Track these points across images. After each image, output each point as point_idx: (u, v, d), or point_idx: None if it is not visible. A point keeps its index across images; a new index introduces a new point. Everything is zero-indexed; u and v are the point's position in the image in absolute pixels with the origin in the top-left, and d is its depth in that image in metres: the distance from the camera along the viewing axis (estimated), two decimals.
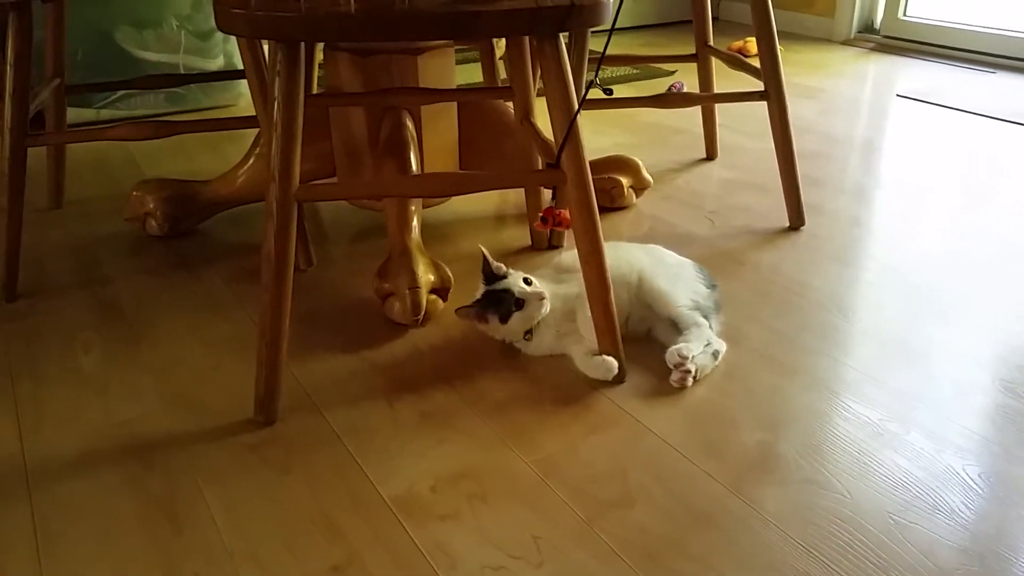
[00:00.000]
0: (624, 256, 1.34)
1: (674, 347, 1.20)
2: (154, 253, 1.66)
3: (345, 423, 1.12)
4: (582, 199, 1.12)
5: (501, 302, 1.22)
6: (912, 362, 1.25)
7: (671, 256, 1.39)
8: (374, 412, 1.15)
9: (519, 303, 1.21)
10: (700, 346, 1.22)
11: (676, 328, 1.26)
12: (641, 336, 1.31)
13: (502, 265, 1.27)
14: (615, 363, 1.19)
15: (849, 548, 0.90)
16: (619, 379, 1.21)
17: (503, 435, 1.10)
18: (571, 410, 1.15)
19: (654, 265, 1.33)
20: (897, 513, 0.95)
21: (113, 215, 1.80)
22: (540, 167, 1.54)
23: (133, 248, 1.68)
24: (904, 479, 1.01)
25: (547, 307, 1.22)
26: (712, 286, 1.34)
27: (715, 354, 1.23)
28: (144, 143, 2.29)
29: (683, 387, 1.19)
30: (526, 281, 1.23)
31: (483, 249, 1.27)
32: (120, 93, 2.48)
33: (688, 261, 1.39)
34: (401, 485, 1.00)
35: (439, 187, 1.14)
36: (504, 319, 1.22)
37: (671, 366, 1.19)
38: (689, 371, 1.18)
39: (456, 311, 1.26)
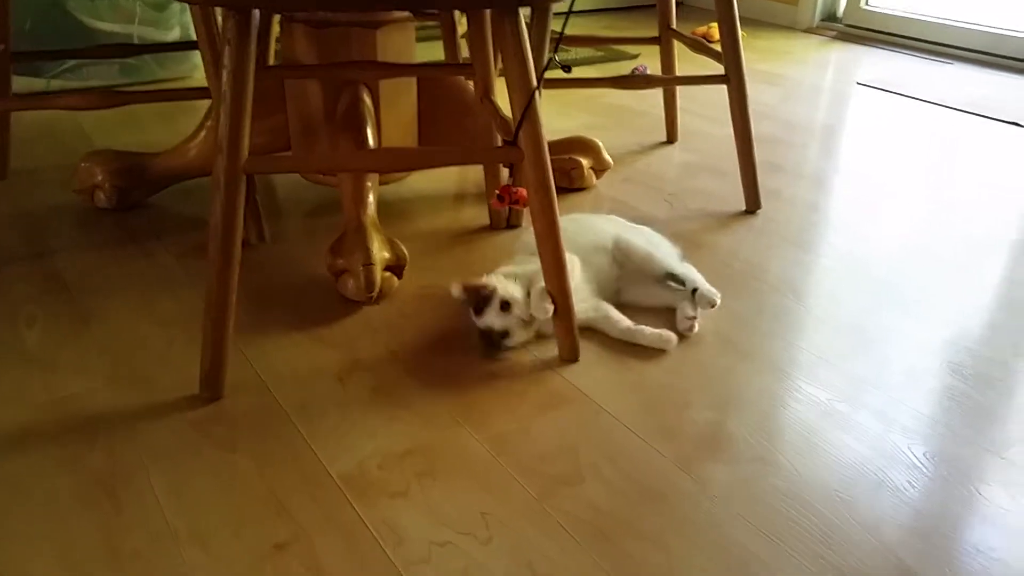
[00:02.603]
0: (592, 225, 1.38)
1: (680, 315, 1.28)
2: (103, 226, 1.62)
3: (294, 400, 1.10)
4: (539, 177, 1.11)
5: (491, 338, 1.21)
6: (865, 346, 1.27)
7: (631, 224, 1.44)
8: (324, 390, 1.13)
9: (505, 334, 1.20)
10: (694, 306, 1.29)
11: (651, 286, 1.33)
12: (613, 302, 1.32)
13: (484, 284, 1.22)
14: (550, 305, 1.17)
15: (795, 524, 0.91)
16: (572, 358, 1.20)
17: (455, 413, 1.09)
18: (524, 389, 1.15)
19: (627, 231, 1.39)
20: (843, 490, 0.97)
21: (61, 187, 1.75)
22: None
23: (81, 221, 1.64)
24: (851, 458, 1.02)
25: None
26: (675, 246, 1.42)
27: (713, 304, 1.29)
28: (95, 114, 2.23)
29: (691, 333, 1.27)
30: (504, 305, 1.20)
31: (453, 288, 1.22)
32: (72, 63, 2.41)
33: (646, 227, 1.45)
34: (350, 463, 0.99)
35: (394, 162, 1.12)
36: (498, 347, 1.22)
37: (684, 330, 1.26)
38: (695, 317, 1.27)
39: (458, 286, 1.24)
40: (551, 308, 1.18)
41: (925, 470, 1.00)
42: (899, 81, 2.84)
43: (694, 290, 1.30)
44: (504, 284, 1.22)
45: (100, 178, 1.65)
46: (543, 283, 1.18)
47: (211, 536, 0.88)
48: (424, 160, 1.13)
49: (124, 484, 0.95)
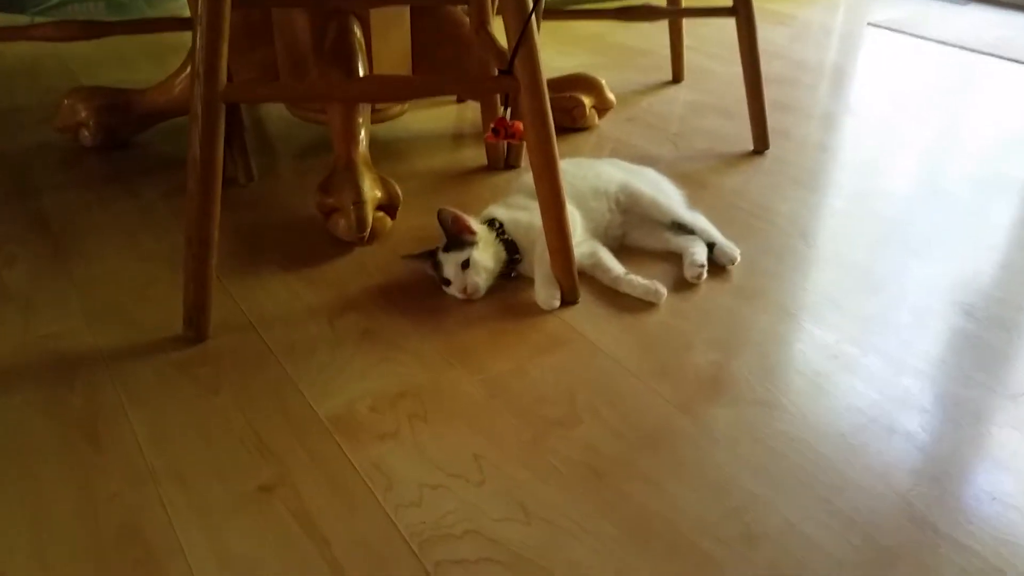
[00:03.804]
0: (592, 169, 1.32)
1: (688, 261, 1.22)
2: (87, 165, 1.56)
3: (282, 342, 1.06)
4: (536, 108, 1.06)
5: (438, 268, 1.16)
6: (874, 287, 1.22)
7: (634, 166, 1.39)
8: (313, 330, 1.09)
9: (446, 281, 1.16)
10: (704, 250, 1.24)
11: (655, 230, 1.28)
12: (617, 246, 1.28)
13: (471, 228, 1.17)
14: (557, 295, 1.14)
15: (801, 469, 0.88)
16: (571, 300, 1.16)
17: (449, 355, 1.05)
18: (521, 330, 1.10)
19: (632, 175, 1.33)
20: (852, 435, 0.93)
21: (44, 125, 1.69)
22: None
23: (64, 160, 1.58)
24: (860, 402, 0.98)
25: (479, 292, 1.15)
26: (678, 189, 1.37)
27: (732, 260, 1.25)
28: (81, 52, 2.16)
29: (698, 282, 1.21)
30: (465, 263, 1.14)
31: (444, 210, 1.16)
32: (56, 0, 2.33)
33: (649, 169, 1.40)
34: (338, 405, 0.95)
35: (382, 90, 1.06)
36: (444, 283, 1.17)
37: (691, 278, 1.21)
38: (704, 267, 1.21)
39: (403, 257, 1.21)
40: (558, 302, 1.14)
41: (936, 414, 0.97)
42: (912, 22, 2.75)
43: (712, 244, 1.25)
44: (485, 252, 1.15)
45: (84, 115, 1.59)
46: (543, 243, 1.13)
47: (192, 478, 0.85)
48: (414, 89, 1.07)
49: (104, 426, 0.92)
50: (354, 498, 0.83)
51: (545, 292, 1.14)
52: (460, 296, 1.15)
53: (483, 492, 0.83)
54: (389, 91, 1.05)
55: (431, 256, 1.17)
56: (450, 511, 0.81)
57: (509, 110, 1.12)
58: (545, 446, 0.90)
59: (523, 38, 1.02)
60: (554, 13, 1.52)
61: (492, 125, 1.09)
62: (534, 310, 1.14)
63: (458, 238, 1.16)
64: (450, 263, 1.14)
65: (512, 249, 1.19)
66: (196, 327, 1.05)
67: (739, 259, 1.24)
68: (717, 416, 0.95)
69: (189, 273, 1.03)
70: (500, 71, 1.06)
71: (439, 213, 1.16)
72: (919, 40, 2.56)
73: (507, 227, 1.20)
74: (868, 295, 1.20)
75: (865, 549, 0.78)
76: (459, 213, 1.16)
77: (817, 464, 0.89)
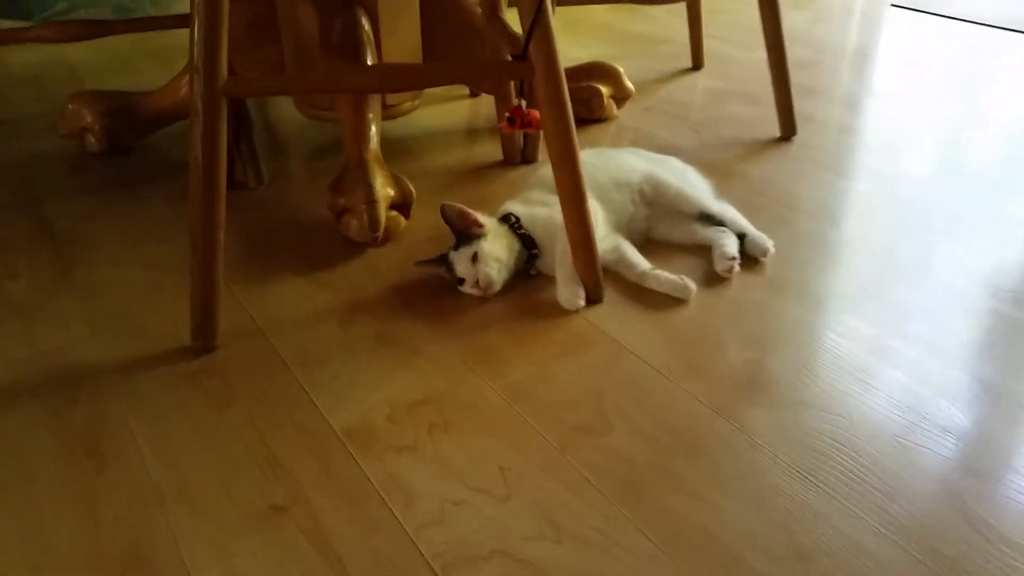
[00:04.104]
0: (614, 159, 1.27)
1: (719, 254, 1.16)
2: (92, 171, 1.52)
3: (293, 349, 1.01)
4: (552, 95, 1.00)
5: (451, 270, 1.11)
6: (910, 274, 1.16)
7: (656, 155, 1.33)
8: (326, 337, 1.04)
9: (460, 280, 1.10)
10: (735, 241, 1.18)
11: (681, 221, 1.22)
12: (642, 240, 1.22)
13: (479, 220, 1.12)
14: (581, 293, 1.09)
15: (850, 474, 0.81)
16: (596, 298, 1.10)
17: (468, 359, 0.99)
18: (543, 331, 1.05)
19: (656, 165, 1.28)
20: (901, 435, 0.86)
21: (50, 132, 1.65)
22: None
23: (70, 166, 1.54)
24: (907, 398, 0.92)
25: (494, 287, 1.09)
26: (704, 179, 1.31)
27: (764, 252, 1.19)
28: (87, 58, 2.13)
29: (730, 275, 1.15)
30: (475, 256, 1.09)
31: (448, 205, 1.12)
32: (63, 5, 2.30)
33: (674, 158, 1.34)
34: (354, 415, 0.90)
35: (388, 80, 1.01)
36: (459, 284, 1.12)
37: (722, 271, 1.15)
38: (736, 259, 1.15)
39: (416, 263, 1.16)
40: (582, 301, 1.08)
41: (991, 409, 0.90)
42: (936, 1, 2.66)
43: (742, 235, 1.19)
44: (495, 243, 1.10)
45: (89, 120, 1.55)
46: (565, 239, 1.08)
47: (200, 497, 0.80)
48: (423, 78, 1.02)
49: (108, 442, 0.87)
50: (371, 516, 0.77)
51: (568, 291, 1.09)
52: (476, 292, 1.09)
53: (509, 508, 0.78)
54: (396, 80, 0.99)
55: (443, 259, 1.12)
56: (474, 529, 0.76)
57: (524, 100, 1.07)
58: (574, 455, 0.84)
59: (537, 19, 0.96)
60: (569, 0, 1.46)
61: (507, 114, 1.04)
62: (557, 310, 1.09)
63: (466, 233, 1.10)
64: (460, 260, 1.09)
65: (530, 244, 1.13)
66: (204, 336, 1.00)
67: (772, 250, 1.18)
68: (756, 418, 0.89)
69: (195, 280, 0.98)
70: (514, 56, 1.00)
71: (443, 209, 1.11)
72: (943, 19, 2.48)
73: (524, 222, 1.15)
74: (907, 283, 1.13)
75: (927, 560, 0.72)
76: (464, 208, 1.11)
77: (867, 467, 0.82)
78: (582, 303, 1.08)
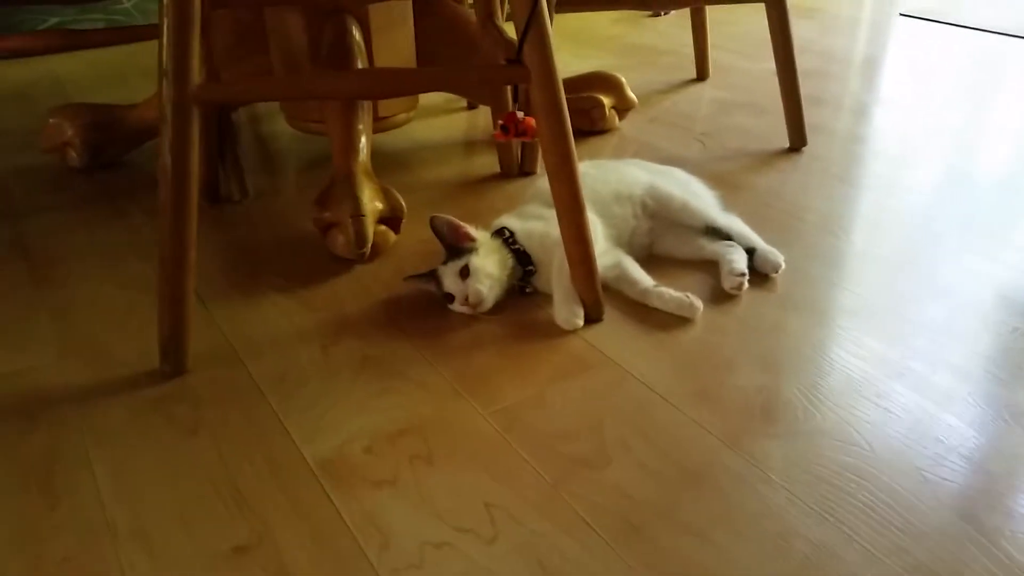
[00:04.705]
0: (614, 171, 1.20)
1: (727, 270, 1.09)
2: (74, 187, 1.47)
3: (270, 373, 0.95)
4: (549, 101, 0.93)
5: (440, 286, 1.05)
6: (930, 290, 1.08)
7: (659, 166, 1.26)
8: (305, 360, 0.97)
9: (449, 297, 1.04)
10: (744, 256, 1.11)
11: (686, 236, 1.16)
12: (645, 255, 1.15)
13: (469, 233, 1.06)
14: (580, 312, 1.02)
15: (872, 512, 0.74)
16: (595, 317, 1.03)
17: (457, 383, 0.92)
18: (538, 353, 0.98)
19: (659, 176, 1.21)
20: (928, 468, 0.79)
21: (32, 147, 1.60)
22: None
23: (51, 182, 1.49)
24: (934, 427, 0.84)
25: (485, 306, 1.03)
26: (710, 190, 1.25)
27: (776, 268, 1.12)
28: (76, 71, 2.07)
29: (739, 292, 1.08)
30: (464, 271, 1.02)
31: (437, 217, 1.06)
32: (55, 20, 2.25)
33: (678, 169, 1.27)
34: (329, 445, 0.83)
35: (374, 86, 0.94)
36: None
37: (730, 288, 1.07)
38: (745, 276, 1.08)
39: (404, 279, 1.09)
40: (580, 320, 1.01)
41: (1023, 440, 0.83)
42: (944, 10, 2.60)
43: (751, 250, 1.12)
44: (487, 258, 1.03)
45: (70, 134, 1.50)
46: (562, 254, 1.01)
47: (157, 537, 0.73)
48: (412, 83, 0.96)
49: (62, 475, 0.80)
50: (343, 560, 0.70)
51: (565, 309, 1.02)
52: (465, 311, 1.03)
53: (496, 550, 0.70)
54: (380, 85, 0.93)
55: (434, 274, 1.05)
56: (456, 574, 0.68)
57: (520, 110, 1.00)
58: (569, 491, 0.77)
59: (532, 21, 0.90)
60: (567, 4, 1.40)
61: (500, 121, 0.97)
62: (553, 330, 1.02)
63: (457, 248, 1.04)
64: (448, 274, 1.03)
65: (525, 260, 1.07)
66: (173, 359, 0.94)
67: (783, 266, 1.11)
68: (770, 450, 0.81)
69: (163, 299, 0.91)
70: (508, 60, 0.94)
71: (432, 221, 1.05)
72: (952, 28, 2.42)
73: (519, 238, 1.08)
74: (923, 298, 1.06)
75: None
76: (454, 220, 1.05)
77: (891, 505, 0.75)
78: (580, 322, 1.01)
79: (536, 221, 1.11)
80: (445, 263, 1.04)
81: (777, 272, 1.11)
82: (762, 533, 0.72)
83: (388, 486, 0.78)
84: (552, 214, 1.01)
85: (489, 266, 1.03)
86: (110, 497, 0.77)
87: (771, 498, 0.75)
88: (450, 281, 1.02)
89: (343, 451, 0.82)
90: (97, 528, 0.74)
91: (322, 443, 0.83)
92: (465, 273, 1.02)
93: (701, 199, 1.20)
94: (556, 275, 1.04)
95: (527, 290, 1.09)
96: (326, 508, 0.75)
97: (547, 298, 1.06)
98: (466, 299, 1.01)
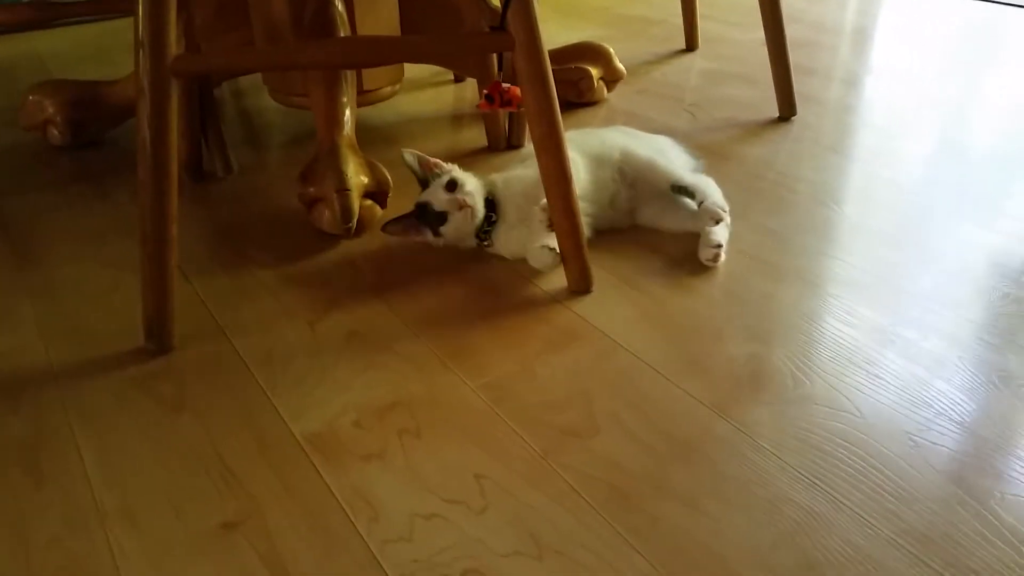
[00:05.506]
0: (597, 136, 1.20)
1: (703, 241, 1.07)
2: (56, 165, 1.45)
3: (256, 349, 0.94)
4: (534, 70, 0.92)
5: (426, 214, 1.07)
6: (922, 259, 1.08)
7: (645, 134, 1.26)
8: (292, 335, 0.96)
9: (441, 217, 1.05)
10: (726, 229, 1.09)
11: (669, 205, 1.14)
12: (626, 224, 1.15)
13: (439, 164, 1.09)
14: (552, 244, 1.02)
15: (862, 477, 0.74)
16: (583, 288, 1.03)
17: (445, 357, 0.92)
18: (527, 325, 0.97)
19: (635, 140, 1.20)
20: (917, 433, 0.79)
21: (12, 125, 1.58)
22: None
23: (32, 161, 1.47)
24: (924, 393, 0.84)
25: (477, 213, 1.05)
26: (697, 159, 1.23)
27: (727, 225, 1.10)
28: (59, 48, 2.05)
29: (715, 264, 1.06)
30: (451, 184, 1.05)
31: (406, 152, 1.10)
32: None
33: (663, 136, 1.26)
34: (318, 421, 0.82)
35: (354, 54, 0.93)
36: (435, 232, 1.07)
37: (706, 260, 1.06)
38: (721, 247, 1.06)
39: (382, 227, 1.09)
40: (550, 259, 1.02)
41: (1013, 403, 0.82)
42: None
43: (701, 202, 1.10)
44: (467, 175, 1.08)
45: (51, 111, 1.47)
46: (543, 201, 1.00)
47: (145, 515, 0.72)
48: (392, 52, 0.94)
49: (48, 455, 0.79)
50: (332, 533, 0.70)
51: (537, 250, 1.03)
52: (458, 219, 1.04)
53: (486, 521, 0.70)
54: (360, 53, 0.91)
55: (414, 213, 1.07)
56: (446, 546, 0.68)
57: (506, 80, 0.99)
58: (558, 462, 0.76)
59: None
60: None
61: (485, 92, 0.96)
62: (539, 302, 1.01)
63: (430, 174, 1.09)
64: (434, 195, 1.06)
65: (490, 207, 1.08)
66: (158, 337, 0.93)
67: (726, 218, 1.08)
68: (760, 418, 0.81)
69: (146, 276, 0.90)
70: (492, 28, 0.92)
71: (403, 155, 1.09)
72: None
73: (497, 188, 1.10)
74: (914, 266, 1.06)
75: (948, 573, 0.65)
76: (422, 154, 1.10)
77: (881, 471, 0.75)
78: (551, 260, 1.02)
79: (519, 169, 1.13)
80: (424, 192, 1.08)
81: (718, 223, 1.07)
82: (752, 500, 0.72)
83: (377, 460, 0.77)
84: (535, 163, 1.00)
85: (471, 180, 1.07)
86: (96, 476, 0.77)
87: (761, 465, 0.75)
88: (438, 200, 1.05)
89: (331, 426, 0.81)
90: (84, 508, 0.73)
91: (310, 418, 0.83)
92: (452, 187, 1.04)
93: (670, 161, 1.18)
94: (532, 215, 1.05)
95: (485, 244, 1.09)
96: (315, 483, 0.75)
97: (536, 273, 1.05)
98: (461, 204, 1.04)
